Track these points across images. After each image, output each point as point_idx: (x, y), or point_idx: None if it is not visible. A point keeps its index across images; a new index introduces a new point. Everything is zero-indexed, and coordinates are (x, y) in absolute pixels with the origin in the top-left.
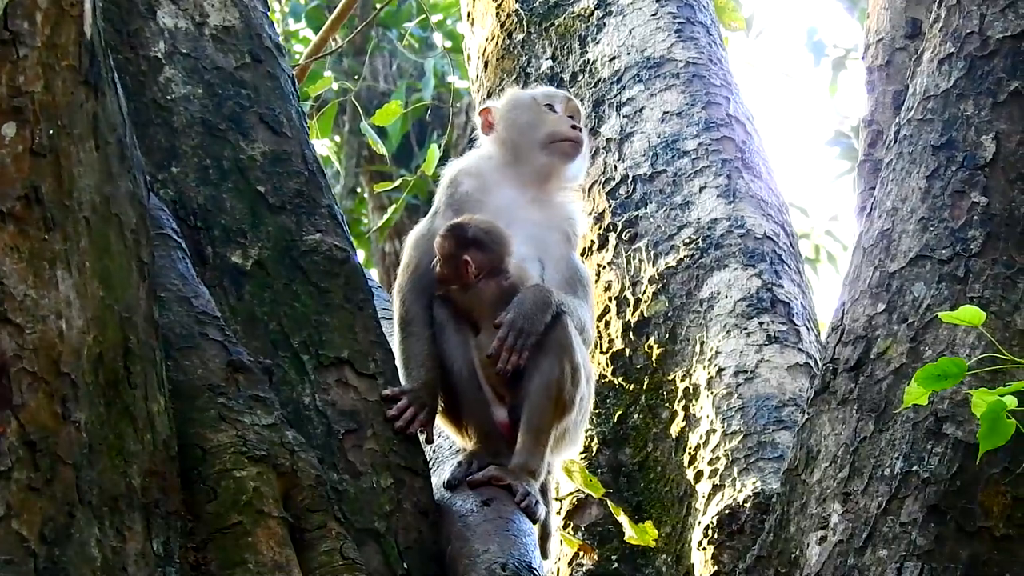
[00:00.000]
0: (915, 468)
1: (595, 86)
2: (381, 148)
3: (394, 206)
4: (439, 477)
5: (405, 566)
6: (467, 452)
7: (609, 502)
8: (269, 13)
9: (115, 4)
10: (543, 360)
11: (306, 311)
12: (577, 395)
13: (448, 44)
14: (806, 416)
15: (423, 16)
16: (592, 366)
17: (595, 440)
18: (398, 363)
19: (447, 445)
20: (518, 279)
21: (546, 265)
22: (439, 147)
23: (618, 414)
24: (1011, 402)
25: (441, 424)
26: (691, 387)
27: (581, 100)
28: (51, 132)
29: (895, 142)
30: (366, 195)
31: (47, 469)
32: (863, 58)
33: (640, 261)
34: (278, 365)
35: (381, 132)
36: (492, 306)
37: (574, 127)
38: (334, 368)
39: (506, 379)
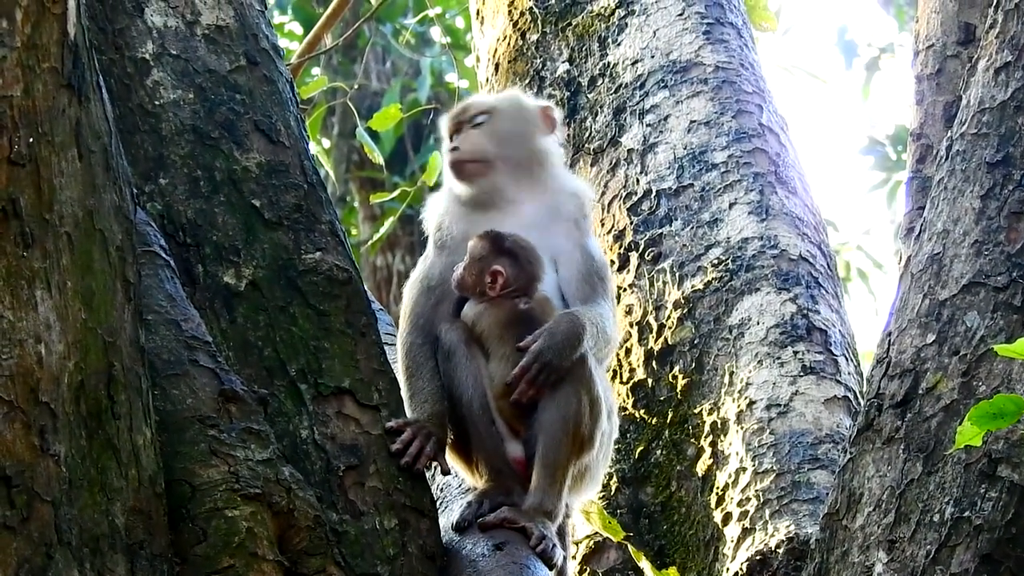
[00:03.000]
0: (967, 514)
1: (616, 92)
2: (378, 157)
3: (390, 219)
4: (447, 518)
5: None
6: (478, 491)
7: (629, 546)
8: (266, 11)
9: (99, 0)
10: (559, 391)
11: (304, 336)
12: (597, 430)
13: (447, 40)
14: (848, 456)
15: (423, 14)
16: (614, 399)
17: (614, 478)
18: (404, 400)
19: (456, 483)
20: (538, 307)
21: (560, 263)
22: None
23: (639, 450)
24: None
25: (449, 460)
26: (719, 421)
27: (600, 107)
28: (31, 140)
29: (946, 158)
30: (356, 204)
31: (23, 506)
32: (912, 66)
33: (664, 283)
34: (273, 395)
35: (374, 136)
36: (504, 328)
37: (452, 149)
38: (334, 399)
39: (521, 411)
